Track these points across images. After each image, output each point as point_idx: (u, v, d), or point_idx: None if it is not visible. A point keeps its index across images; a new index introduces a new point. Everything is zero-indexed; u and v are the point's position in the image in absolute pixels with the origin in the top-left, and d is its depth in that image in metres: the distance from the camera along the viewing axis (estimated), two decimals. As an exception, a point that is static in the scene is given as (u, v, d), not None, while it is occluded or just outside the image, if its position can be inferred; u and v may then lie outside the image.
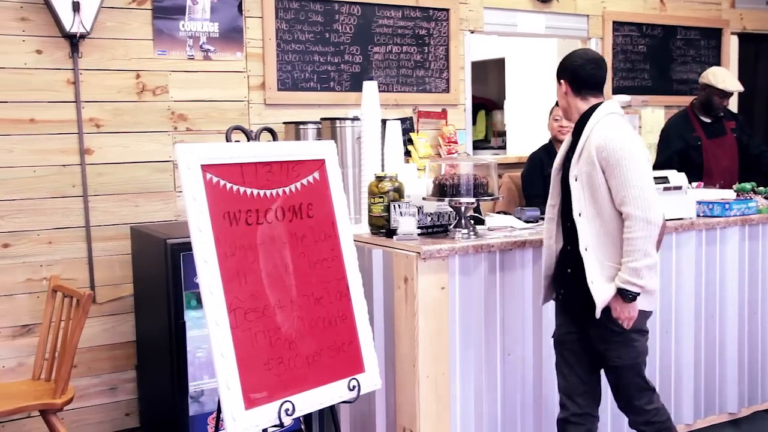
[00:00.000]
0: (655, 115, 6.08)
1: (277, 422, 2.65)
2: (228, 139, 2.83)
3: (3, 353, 3.90)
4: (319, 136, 4.19)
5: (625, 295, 2.85)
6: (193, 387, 3.73)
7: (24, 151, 3.91)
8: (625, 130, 2.94)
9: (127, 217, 4.17)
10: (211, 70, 4.38)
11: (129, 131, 4.18)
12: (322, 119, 4.13)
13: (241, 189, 2.78)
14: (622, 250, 2.85)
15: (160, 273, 3.65)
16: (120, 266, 4.14)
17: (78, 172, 4.03)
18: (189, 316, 3.70)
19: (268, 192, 2.86)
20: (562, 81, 3.08)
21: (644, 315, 2.99)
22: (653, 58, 6.06)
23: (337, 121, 4.04)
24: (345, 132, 4.02)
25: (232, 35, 4.42)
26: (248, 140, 2.91)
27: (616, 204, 2.87)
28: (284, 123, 4.39)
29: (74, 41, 3.97)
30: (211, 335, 2.59)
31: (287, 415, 2.67)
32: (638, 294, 2.85)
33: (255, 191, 2.81)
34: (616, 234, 2.89)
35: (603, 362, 3.07)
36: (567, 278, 3.09)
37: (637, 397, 3.06)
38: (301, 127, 4.26)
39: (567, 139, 3.18)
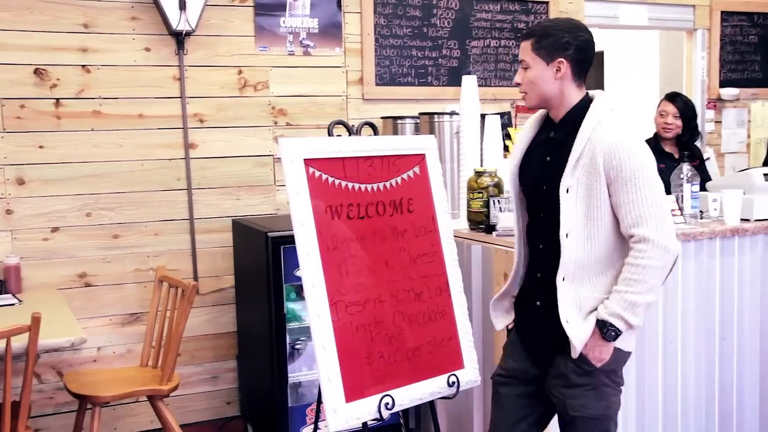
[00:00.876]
0: (765, 108, 5.81)
1: (377, 416, 2.66)
2: (330, 134, 2.85)
3: (114, 339, 4.06)
4: (417, 130, 4.18)
5: (606, 331, 2.32)
6: (291, 378, 3.79)
7: (133, 145, 4.05)
8: (638, 134, 2.40)
9: (228, 210, 4.27)
10: (310, 66, 4.43)
11: (231, 126, 4.27)
12: (421, 114, 4.13)
13: (343, 183, 2.80)
14: (618, 278, 2.34)
15: (261, 265, 3.72)
16: (222, 258, 4.24)
17: (183, 166, 4.15)
18: (289, 308, 3.76)
19: (369, 186, 2.86)
20: (562, 59, 2.38)
21: (622, 357, 2.43)
22: (765, 48, 5.80)
23: (436, 116, 4.03)
24: (443, 127, 4.00)
25: (331, 31, 4.46)
26: (350, 135, 2.93)
27: (624, 224, 2.32)
28: (382, 118, 4.40)
29: (180, 39, 4.08)
30: (312, 328, 2.62)
31: (387, 409, 2.68)
32: (621, 333, 2.32)
33: (356, 185, 2.83)
34: (605, 261, 2.38)
35: (561, 412, 2.46)
36: (534, 312, 2.55)
37: None
38: (399, 121, 4.27)
39: (527, 134, 2.60)
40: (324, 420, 2.85)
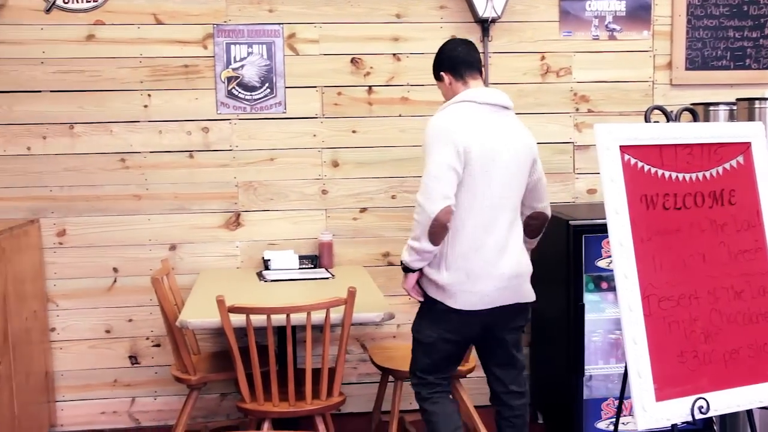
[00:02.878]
0: None
1: (689, 419, 2.51)
2: (647, 120, 2.73)
3: (412, 318, 4.21)
4: (732, 118, 3.87)
5: (401, 264, 2.95)
6: (586, 370, 3.70)
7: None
8: (450, 117, 2.87)
9: (526, 197, 4.26)
10: (615, 50, 4.29)
11: (532, 112, 4.25)
12: (738, 100, 3.81)
13: (659, 171, 2.66)
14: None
15: (561, 254, 3.67)
16: (518, 244, 4.25)
17: (483, 152, 4.20)
18: (586, 299, 3.67)
19: (687, 176, 2.70)
20: (442, 74, 3.04)
21: (428, 298, 2.96)
22: None
23: (757, 102, 3.69)
24: (765, 113, 3.66)
25: (639, 13, 4.27)
26: (667, 121, 2.78)
27: None
28: (692, 104, 4.12)
29: (485, 26, 4.13)
30: (623, 320, 2.52)
31: (701, 413, 2.51)
32: (409, 268, 2.92)
33: (674, 174, 2.67)
34: None
35: None
36: None
37: (411, 367, 3.10)
38: (712, 108, 3.97)
39: None
40: (626, 416, 2.74)
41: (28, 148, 4.00)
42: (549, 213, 3.15)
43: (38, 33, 3.94)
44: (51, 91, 3.98)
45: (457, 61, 3.01)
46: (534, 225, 3.10)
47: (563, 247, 3.63)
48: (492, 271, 2.88)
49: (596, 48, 4.27)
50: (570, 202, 4.28)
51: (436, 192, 2.76)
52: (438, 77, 3.07)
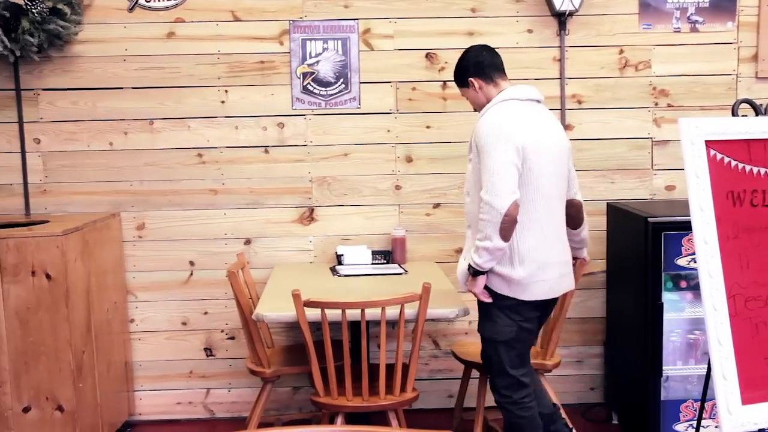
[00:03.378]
0: None
1: (778, 423, 2.43)
2: (734, 114, 2.65)
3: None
4: (822, 112, 3.72)
5: (470, 269, 2.92)
6: (663, 371, 3.61)
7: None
8: (501, 116, 2.92)
9: (602, 194, 4.18)
10: (696, 43, 4.16)
11: (608, 107, 4.17)
12: (829, 93, 3.67)
13: (747, 167, 2.57)
14: None
15: (638, 252, 3.59)
16: (593, 242, 4.12)
17: (558, 148, 4.14)
18: (665, 297, 3.58)
19: (777, 171, 2.61)
20: (470, 80, 3.08)
21: (500, 297, 2.95)
22: None
23: None
24: None
25: (723, 4, 4.13)
26: (756, 114, 2.68)
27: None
28: (779, 98, 3.99)
29: (562, 19, 4.06)
30: (707, 320, 2.45)
31: (790, 417, 2.42)
32: (480, 271, 2.89)
33: (762, 170, 2.58)
34: None
35: None
36: None
37: (494, 374, 3.08)
38: (800, 102, 3.83)
39: None
40: (707, 419, 2.66)
41: (111, 144, 4.11)
42: (581, 199, 3.24)
43: (121, 31, 4.04)
44: (133, 88, 4.08)
45: (484, 65, 3.09)
46: (572, 213, 3.16)
47: (641, 245, 3.54)
48: (556, 258, 3.01)
49: (677, 41, 4.15)
50: (647, 198, 4.18)
51: (503, 188, 2.81)
52: (464, 84, 3.14)
